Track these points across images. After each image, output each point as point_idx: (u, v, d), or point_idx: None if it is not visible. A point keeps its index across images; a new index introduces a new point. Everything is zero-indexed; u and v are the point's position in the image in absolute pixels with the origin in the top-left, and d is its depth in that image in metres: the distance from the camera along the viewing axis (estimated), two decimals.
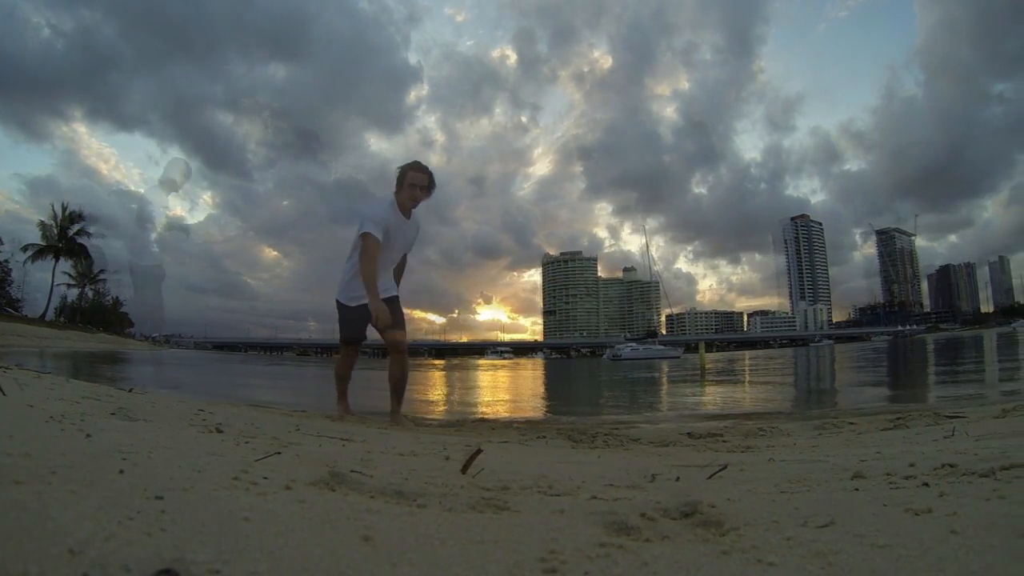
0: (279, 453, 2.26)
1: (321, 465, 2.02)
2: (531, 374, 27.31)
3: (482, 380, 21.26)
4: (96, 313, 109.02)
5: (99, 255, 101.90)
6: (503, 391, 14.85)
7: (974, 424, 4.26)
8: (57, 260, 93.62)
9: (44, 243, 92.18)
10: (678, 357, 68.38)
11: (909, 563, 1.08)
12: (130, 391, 5.51)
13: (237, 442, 2.66)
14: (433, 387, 16.22)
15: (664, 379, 20.48)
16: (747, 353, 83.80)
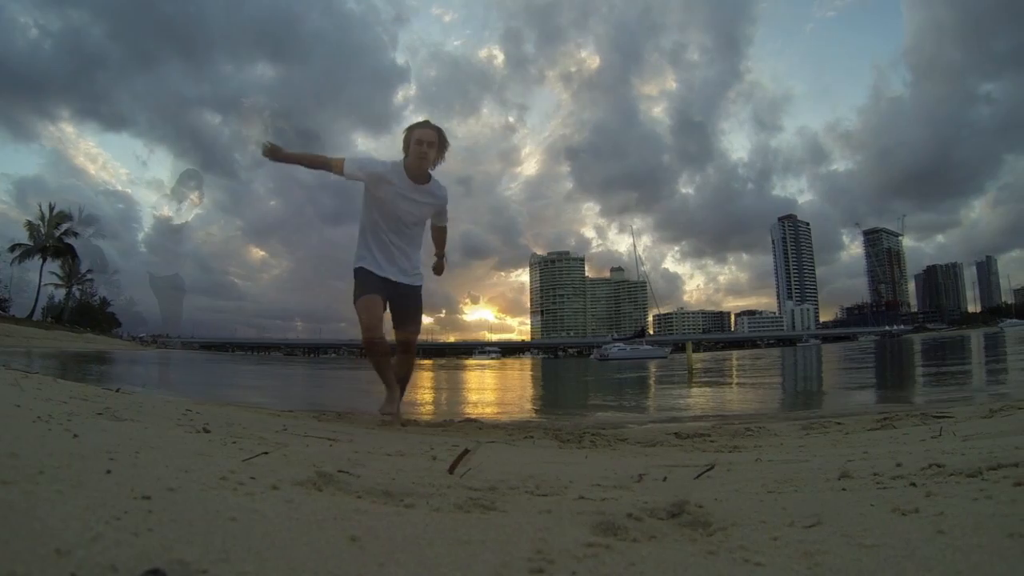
0: (266, 453, 2.26)
1: (308, 465, 2.02)
2: (518, 374, 27.31)
3: (470, 380, 21.25)
4: (83, 313, 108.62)
5: (97, 254, 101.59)
6: (491, 391, 14.86)
7: (961, 424, 4.28)
8: (44, 260, 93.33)
9: (31, 243, 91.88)
10: (666, 357, 68.40)
11: (896, 563, 1.09)
12: (117, 391, 5.49)
13: (224, 442, 2.66)
14: (421, 387, 16.21)
15: (652, 379, 20.51)
16: (735, 353, 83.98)
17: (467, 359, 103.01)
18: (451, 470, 2.24)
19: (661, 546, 1.25)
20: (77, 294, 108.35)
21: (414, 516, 1.42)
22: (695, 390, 13.62)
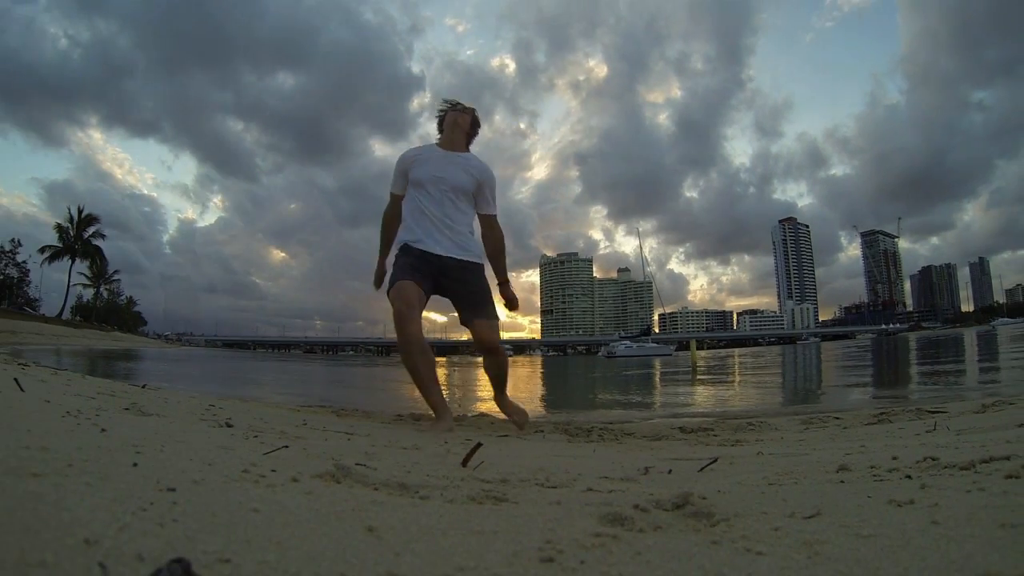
0: (286, 447, 2.26)
1: (327, 458, 2.02)
2: (529, 371, 27.29)
3: (482, 377, 21.30)
4: (110, 312, 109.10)
5: (97, 255, 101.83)
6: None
7: (955, 419, 4.26)
8: (73, 261, 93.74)
9: (61, 245, 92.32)
10: (670, 355, 68.24)
11: (892, 552, 1.08)
12: (143, 387, 5.51)
13: (246, 436, 2.66)
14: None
15: (657, 376, 20.46)
16: (736, 351, 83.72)
17: (480, 357, 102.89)
18: (464, 463, 2.24)
19: (666, 536, 1.24)
20: (105, 294, 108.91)
21: (429, 507, 1.42)
22: (698, 386, 13.59)
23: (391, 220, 4.98)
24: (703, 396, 10.84)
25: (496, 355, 5.19)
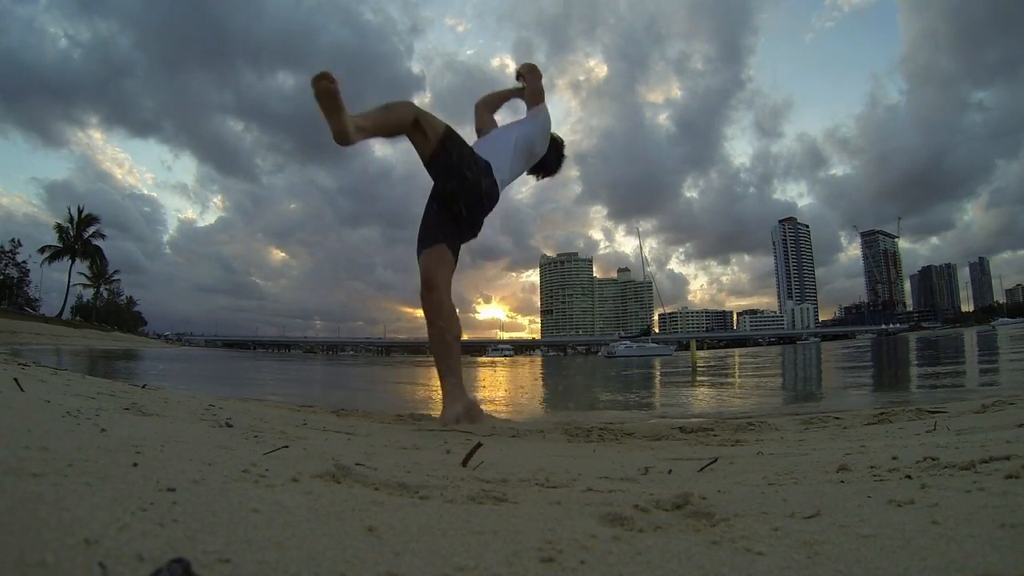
0: (286, 447, 2.27)
1: (327, 458, 2.02)
2: (529, 371, 27.31)
3: (482, 376, 21.25)
4: (110, 312, 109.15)
5: (97, 255, 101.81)
6: (502, 387, 14.84)
7: (955, 419, 4.26)
8: (73, 261, 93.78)
9: (61, 245, 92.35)
10: (670, 355, 68.26)
11: (892, 552, 1.08)
12: (143, 387, 5.51)
13: (246, 436, 2.66)
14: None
15: (657, 376, 20.46)
16: (736, 351, 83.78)
17: (481, 356, 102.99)
18: (464, 463, 2.24)
19: (666, 536, 1.24)
20: (104, 294, 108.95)
21: (429, 507, 1.42)
22: (698, 387, 13.59)
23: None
24: (703, 396, 10.84)
25: (428, 296, 4.67)
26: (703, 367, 24.49)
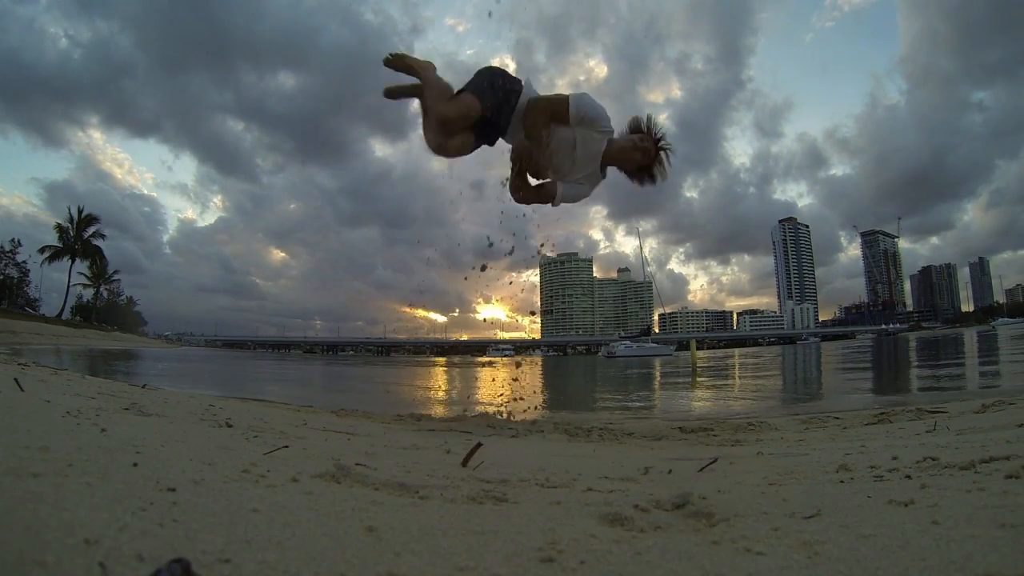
0: (286, 447, 2.27)
1: (327, 458, 2.02)
2: (529, 371, 27.30)
3: (482, 376, 21.24)
4: (110, 312, 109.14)
5: (97, 255, 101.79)
6: (502, 387, 14.84)
7: (955, 419, 4.26)
8: (73, 261, 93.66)
9: (61, 245, 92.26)
10: (670, 355, 68.18)
11: (892, 552, 1.08)
12: (143, 387, 5.52)
13: (246, 436, 2.66)
14: (435, 383, 16.20)
15: (657, 376, 20.46)
16: (736, 351, 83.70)
17: (481, 356, 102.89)
18: (464, 463, 2.24)
19: (666, 536, 1.25)
20: (105, 294, 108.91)
21: (429, 507, 1.43)
22: (698, 387, 13.59)
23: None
24: (703, 396, 10.84)
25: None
26: (703, 367, 24.49)
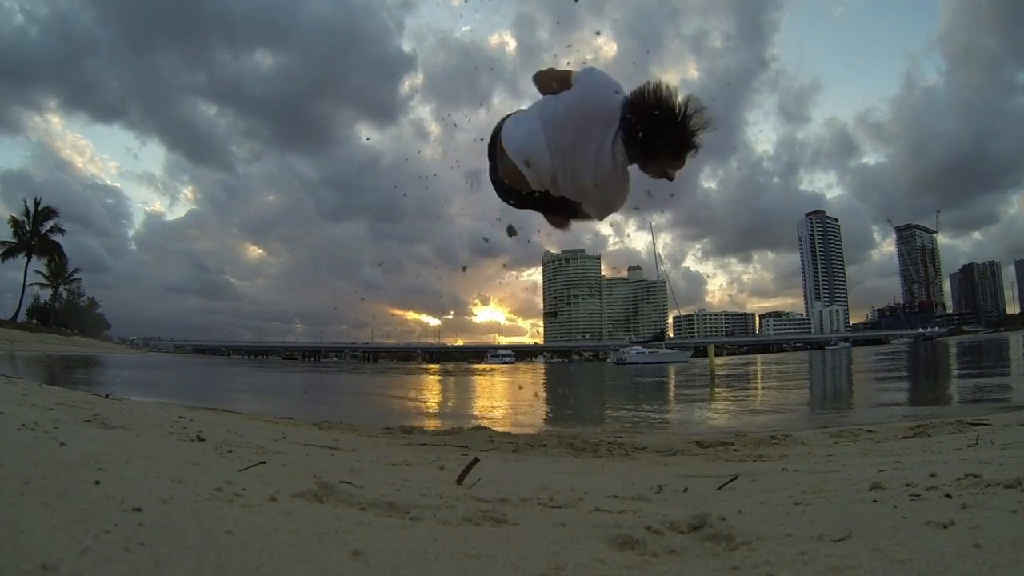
0: (264, 463, 2.27)
1: (308, 475, 2.02)
2: (531, 379, 27.30)
3: (479, 386, 21.25)
4: (70, 314, 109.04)
5: (56, 251, 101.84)
6: (501, 398, 14.85)
7: (999, 432, 4.26)
8: (29, 259, 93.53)
9: (16, 240, 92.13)
10: (687, 361, 68.16)
11: None
12: (107, 397, 5.52)
13: (220, 451, 2.66)
14: (428, 394, 16.22)
15: (672, 385, 20.48)
16: (759, 357, 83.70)
17: (478, 363, 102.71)
18: (459, 481, 2.24)
19: (682, 561, 1.24)
20: (64, 294, 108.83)
21: (420, 529, 1.42)
22: (718, 396, 13.59)
23: None
24: (722, 407, 10.86)
25: None
26: (722, 375, 24.50)
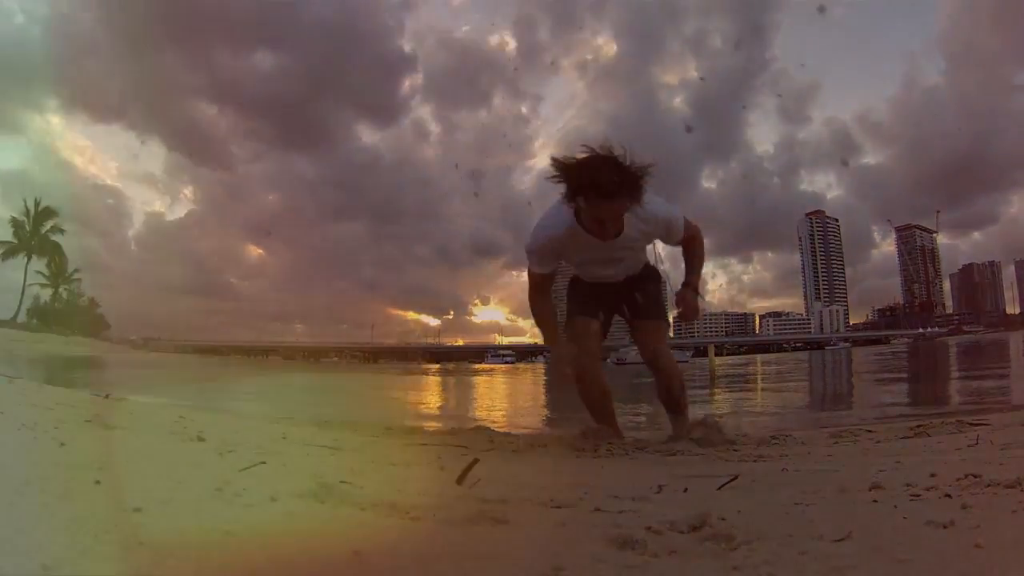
0: (264, 463, 2.26)
1: (309, 476, 2.02)
2: (531, 379, 27.32)
3: (480, 386, 21.26)
4: (71, 315, 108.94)
5: (57, 252, 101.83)
6: (501, 398, 14.85)
7: (999, 432, 4.25)
8: (29, 259, 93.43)
9: (15, 241, 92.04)
10: (686, 361, 67.92)
11: None
12: (106, 397, 5.51)
13: (220, 452, 2.66)
14: (428, 394, 16.22)
15: None
16: (759, 357, 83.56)
17: (479, 363, 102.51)
18: (460, 481, 2.24)
19: (682, 561, 1.24)
20: (64, 295, 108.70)
21: (421, 529, 1.42)
22: (717, 396, 13.59)
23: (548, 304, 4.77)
24: (722, 407, 10.84)
25: (654, 367, 4.87)
26: (722, 375, 24.48)
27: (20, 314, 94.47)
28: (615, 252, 4.38)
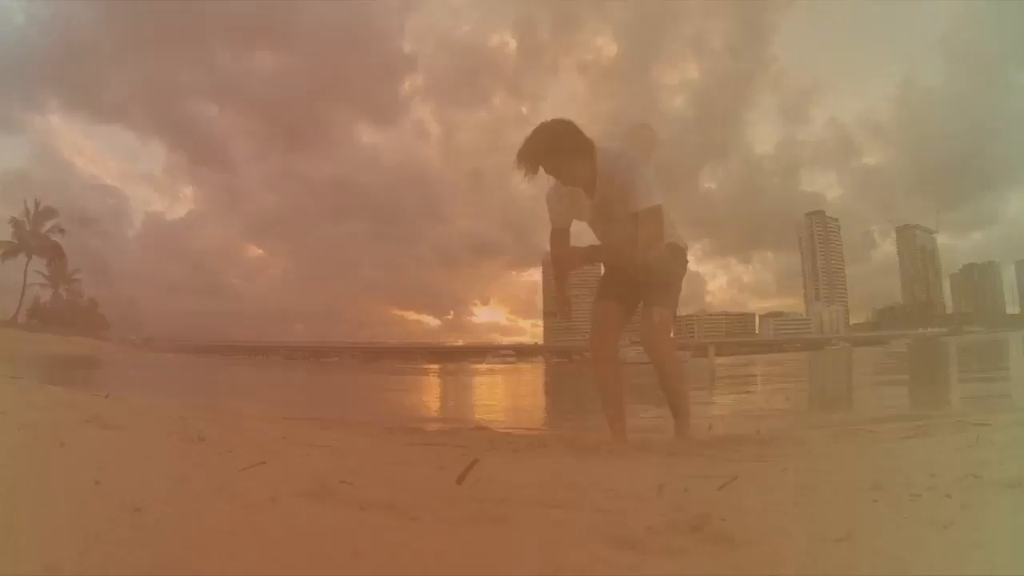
0: (264, 463, 2.26)
1: (309, 476, 2.02)
2: (531, 379, 27.31)
3: (480, 386, 21.26)
4: (71, 315, 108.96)
5: (57, 252, 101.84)
6: (501, 397, 14.85)
7: (1000, 432, 4.25)
8: (30, 259, 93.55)
9: (16, 241, 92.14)
10: (686, 361, 67.84)
11: None
12: (106, 396, 5.51)
13: (220, 451, 2.66)
14: (428, 394, 16.22)
15: None
16: (760, 357, 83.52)
17: (479, 363, 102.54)
18: (459, 481, 2.23)
19: (682, 561, 1.24)
20: (64, 295, 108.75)
21: (420, 529, 1.42)
22: (718, 397, 13.59)
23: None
24: (722, 407, 10.84)
25: (651, 359, 4.77)
26: (723, 375, 24.48)
27: (20, 314, 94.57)
28: (603, 209, 4.52)
